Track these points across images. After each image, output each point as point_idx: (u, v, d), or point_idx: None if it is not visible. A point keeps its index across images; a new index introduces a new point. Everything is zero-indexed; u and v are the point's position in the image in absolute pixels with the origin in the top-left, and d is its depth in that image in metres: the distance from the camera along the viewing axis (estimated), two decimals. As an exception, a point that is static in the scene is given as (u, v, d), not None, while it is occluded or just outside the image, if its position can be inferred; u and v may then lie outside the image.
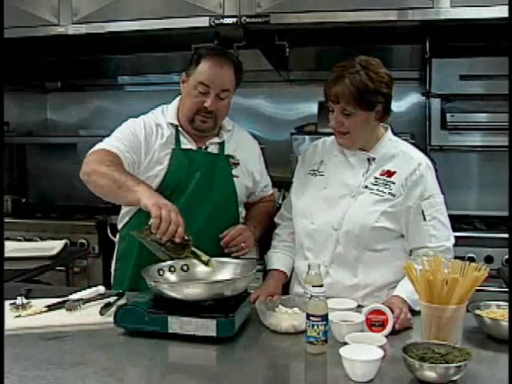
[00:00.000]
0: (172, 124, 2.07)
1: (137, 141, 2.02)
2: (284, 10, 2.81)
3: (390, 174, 1.89)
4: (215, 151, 2.10)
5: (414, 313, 1.68)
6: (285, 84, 3.68)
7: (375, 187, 1.88)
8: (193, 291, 1.60)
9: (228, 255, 1.97)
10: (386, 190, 1.87)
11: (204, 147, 2.09)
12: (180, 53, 2.56)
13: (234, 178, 2.10)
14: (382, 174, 1.90)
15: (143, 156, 2.03)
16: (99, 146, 1.99)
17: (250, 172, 2.16)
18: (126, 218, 2.13)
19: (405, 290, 1.73)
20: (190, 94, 2.01)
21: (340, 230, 1.87)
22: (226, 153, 2.11)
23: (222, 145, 2.11)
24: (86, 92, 4.06)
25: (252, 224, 2.13)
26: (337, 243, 1.88)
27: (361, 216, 1.86)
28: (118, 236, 2.20)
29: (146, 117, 2.12)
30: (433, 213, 1.87)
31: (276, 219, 2.16)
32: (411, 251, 1.91)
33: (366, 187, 1.89)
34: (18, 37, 3.00)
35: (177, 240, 1.68)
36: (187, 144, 2.07)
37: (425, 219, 1.86)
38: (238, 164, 2.12)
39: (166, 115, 2.10)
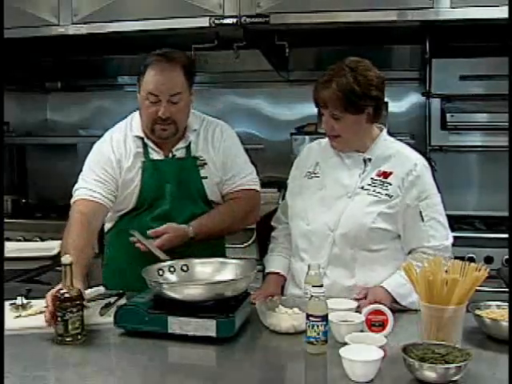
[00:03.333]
0: (138, 137, 2.06)
1: (110, 170, 2.02)
2: (284, 10, 2.80)
3: (386, 174, 1.89)
4: (182, 155, 2.08)
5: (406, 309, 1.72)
6: (285, 84, 3.67)
7: (372, 188, 1.88)
8: (193, 292, 1.60)
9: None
10: (382, 192, 1.87)
11: (171, 155, 2.07)
12: (180, 53, 2.59)
13: (203, 180, 2.07)
14: (378, 175, 1.90)
15: (120, 178, 2.03)
16: (78, 192, 2.00)
17: (219, 168, 2.10)
18: (110, 225, 2.16)
19: (393, 282, 1.77)
20: (144, 105, 2.00)
21: (336, 230, 1.87)
22: (192, 154, 2.08)
23: (188, 147, 2.09)
24: (86, 92, 4.05)
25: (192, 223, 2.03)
26: (333, 244, 1.88)
27: (357, 217, 1.86)
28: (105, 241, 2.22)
29: (115, 135, 2.09)
30: (430, 213, 1.87)
31: (273, 223, 2.14)
32: (409, 252, 1.91)
33: (363, 188, 1.89)
34: (18, 37, 3.00)
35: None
36: (155, 155, 2.06)
37: (423, 220, 1.86)
38: (206, 163, 2.08)
39: (132, 128, 2.09)
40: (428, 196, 1.88)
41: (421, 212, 1.86)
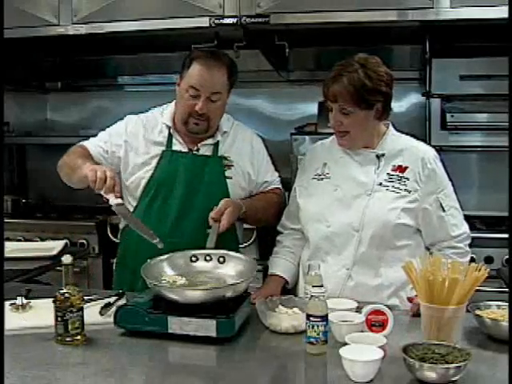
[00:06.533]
0: (166, 125, 2.09)
1: (119, 141, 2.09)
2: (284, 10, 2.80)
3: (401, 169, 1.90)
4: (208, 153, 2.09)
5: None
6: (285, 84, 3.67)
7: (390, 184, 1.88)
8: (192, 295, 1.60)
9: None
10: (401, 187, 1.87)
11: (196, 149, 2.08)
12: (180, 53, 2.56)
13: (228, 180, 2.08)
14: (394, 170, 1.90)
15: (126, 155, 2.07)
16: (85, 141, 2.14)
17: (246, 172, 2.13)
18: (124, 224, 2.16)
19: None
20: (183, 97, 2.01)
21: (362, 230, 1.86)
22: (219, 154, 2.10)
23: (215, 146, 2.10)
24: (86, 92, 4.05)
25: (243, 201, 2.07)
26: (359, 244, 1.86)
27: (381, 214, 1.85)
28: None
29: (144, 115, 2.15)
30: (449, 202, 1.91)
31: (278, 228, 2.13)
32: (432, 245, 1.93)
33: (381, 184, 1.88)
34: (18, 37, 2.99)
35: (117, 195, 1.77)
36: (178, 146, 2.08)
37: (444, 210, 1.89)
38: (232, 165, 2.10)
39: (163, 115, 2.12)
40: (445, 186, 1.91)
41: (441, 203, 1.88)
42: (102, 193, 1.77)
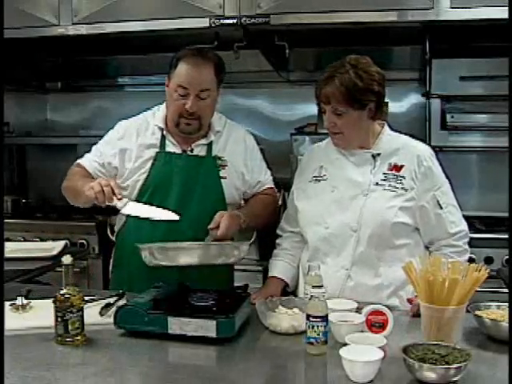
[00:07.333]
0: (159, 127, 2.08)
1: (112, 150, 2.09)
2: (284, 10, 2.80)
3: (397, 168, 1.90)
4: (202, 153, 2.09)
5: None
6: (285, 84, 3.67)
7: (386, 183, 1.88)
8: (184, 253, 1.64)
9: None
10: (398, 186, 1.87)
11: (190, 149, 2.08)
12: (180, 53, 2.60)
13: (222, 180, 2.07)
14: (390, 169, 1.90)
15: (121, 162, 2.07)
16: (84, 157, 2.17)
17: (240, 172, 2.12)
18: (119, 225, 2.16)
19: None
20: (172, 98, 2.01)
21: (360, 230, 1.86)
22: (213, 154, 2.09)
23: (209, 146, 2.10)
24: (86, 92, 4.06)
25: (240, 211, 2.07)
26: (357, 244, 1.87)
27: (379, 213, 1.85)
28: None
29: (135, 119, 2.15)
30: (447, 200, 1.91)
31: (277, 231, 2.14)
32: (431, 243, 1.94)
33: (377, 184, 1.89)
34: (18, 37, 3.00)
35: (119, 197, 1.80)
36: (172, 147, 2.07)
37: (441, 208, 1.89)
38: (226, 165, 2.09)
39: (155, 117, 2.11)
40: (441, 184, 1.92)
41: (438, 201, 1.89)
42: (107, 203, 1.81)
